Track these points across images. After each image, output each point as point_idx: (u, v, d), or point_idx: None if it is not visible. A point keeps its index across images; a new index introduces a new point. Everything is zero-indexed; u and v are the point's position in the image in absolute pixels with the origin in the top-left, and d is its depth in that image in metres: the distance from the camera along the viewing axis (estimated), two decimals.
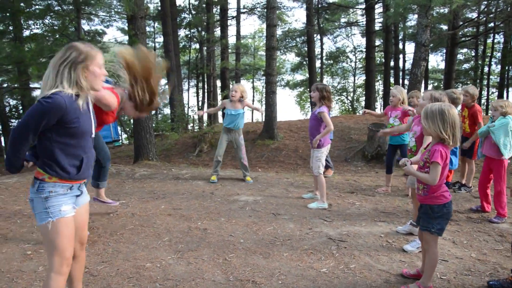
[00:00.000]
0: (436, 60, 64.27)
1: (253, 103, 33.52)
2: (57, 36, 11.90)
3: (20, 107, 20.57)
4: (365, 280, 3.38)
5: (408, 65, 28.37)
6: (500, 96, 24.69)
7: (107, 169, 4.93)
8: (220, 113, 23.22)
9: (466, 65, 29.28)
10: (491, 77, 27.29)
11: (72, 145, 2.45)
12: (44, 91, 2.31)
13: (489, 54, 25.59)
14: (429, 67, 27.74)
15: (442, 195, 3.06)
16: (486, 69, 25.85)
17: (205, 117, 5.68)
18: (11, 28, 14.95)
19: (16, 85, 13.12)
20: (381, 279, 3.39)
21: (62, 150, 2.43)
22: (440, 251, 3.89)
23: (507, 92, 26.99)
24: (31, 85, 15.18)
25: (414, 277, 3.38)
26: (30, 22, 14.93)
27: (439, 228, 3.08)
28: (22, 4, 12.00)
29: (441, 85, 27.02)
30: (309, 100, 26.47)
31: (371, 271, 3.55)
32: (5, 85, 18.33)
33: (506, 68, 24.55)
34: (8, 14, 13.78)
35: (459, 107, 5.99)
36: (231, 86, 8.77)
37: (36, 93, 18.06)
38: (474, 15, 21.37)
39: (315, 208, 5.41)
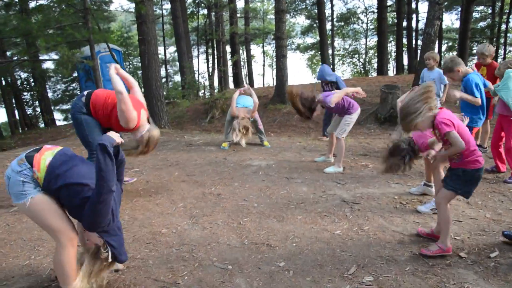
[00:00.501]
0: (451, 19, 62.69)
1: (263, 68, 33.27)
2: (63, 6, 11.74)
3: (32, 79, 20.64)
4: (379, 241, 3.39)
5: (421, 25, 27.56)
6: None
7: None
8: (230, 78, 23.11)
9: (482, 23, 28.40)
10: (508, 35, 26.48)
11: None
12: None
13: (507, 11, 24.74)
14: (444, 26, 27.01)
15: (477, 160, 3.02)
16: (503, 26, 25.06)
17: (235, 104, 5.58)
18: (16, 0, 14.85)
19: (25, 58, 13.09)
20: (395, 240, 3.40)
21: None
22: (454, 211, 3.89)
23: None
24: (40, 57, 15.16)
25: (429, 236, 3.38)
26: None
27: (466, 191, 3.09)
28: None
29: (456, 45, 26.40)
30: (320, 63, 26.14)
31: (385, 232, 3.56)
32: (15, 58, 18.33)
33: None
34: None
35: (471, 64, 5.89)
36: (240, 51, 8.66)
37: (47, 64, 18.09)
38: None
39: (332, 172, 5.39)
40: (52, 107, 22.46)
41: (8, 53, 17.73)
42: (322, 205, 4.25)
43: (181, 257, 3.23)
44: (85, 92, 4.32)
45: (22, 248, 3.46)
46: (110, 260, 2.50)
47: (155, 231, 3.72)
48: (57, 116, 24.59)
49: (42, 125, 19.87)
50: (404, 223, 3.75)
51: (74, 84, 25.01)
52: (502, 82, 4.82)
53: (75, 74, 19.53)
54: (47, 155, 2.52)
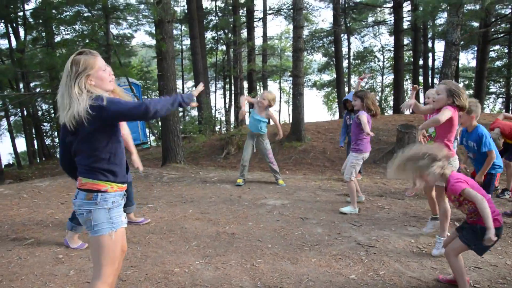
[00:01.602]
0: (467, 58, 62.64)
1: (280, 105, 33.50)
2: (87, 40, 12.15)
3: (52, 111, 21.11)
4: (395, 287, 3.31)
5: (437, 64, 27.70)
6: None
7: (130, 192, 4.83)
8: (247, 115, 23.30)
9: (498, 63, 28.39)
10: None
11: (120, 147, 2.52)
12: (67, 110, 2.33)
13: None
14: (460, 65, 27.07)
15: (496, 219, 2.94)
16: None
17: (245, 108, 5.58)
18: (43, 34, 15.38)
19: (48, 90, 13.47)
20: (411, 287, 3.31)
21: (116, 153, 2.48)
22: (473, 257, 3.79)
23: None
24: None
25: (451, 283, 3.29)
26: (61, 28, 15.33)
27: (481, 248, 3.00)
28: (53, 11, 12.32)
29: (472, 84, 26.34)
30: (336, 100, 26.25)
31: (401, 278, 3.48)
32: (38, 89, 18.84)
33: None
34: (40, 21, 14.19)
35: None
36: (257, 88, 8.78)
37: None
38: (507, 11, 20.73)
39: (348, 212, 5.31)
40: None
41: (31, 84, 18.25)
42: (337, 247, 4.19)
43: None
44: None
45: (33, 283, 3.45)
46: None
47: (167, 270, 3.69)
48: None
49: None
50: (421, 268, 3.66)
51: None
52: None
53: None
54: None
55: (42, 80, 19.01)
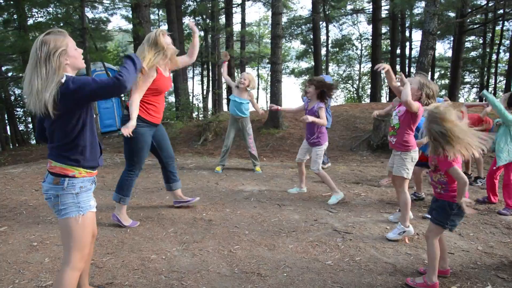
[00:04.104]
0: (444, 48, 63.72)
1: (257, 92, 33.43)
2: (61, 24, 11.83)
3: (25, 96, 20.60)
4: (371, 273, 3.36)
5: (414, 53, 28.11)
6: (508, 84, 24.42)
7: (173, 167, 4.85)
8: (225, 101, 23.19)
9: (473, 53, 28.94)
10: (499, 65, 26.97)
11: (92, 132, 2.46)
12: (41, 92, 2.24)
13: (498, 42, 25.24)
14: (436, 55, 27.45)
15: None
16: (494, 57, 25.53)
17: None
18: (15, 17, 14.91)
19: (21, 75, 13.10)
20: (386, 272, 3.37)
21: (88, 138, 2.43)
22: (447, 243, 3.86)
23: None
24: None
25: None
26: (34, 10, 14.89)
27: (452, 225, 3.06)
28: None
29: (448, 73, 26.78)
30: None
31: (376, 263, 3.53)
32: (10, 74, 18.32)
33: None
34: (12, 2, 13.75)
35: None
36: (235, 74, 8.72)
37: None
38: (483, 1, 21.08)
39: (335, 201, 5.30)
40: None
41: (3, 68, 17.73)
42: (313, 234, 4.22)
43: (170, 284, 3.17)
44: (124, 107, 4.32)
45: (7, 271, 3.38)
46: None
47: (144, 257, 3.66)
48: None
49: (33, 142, 19.73)
50: (396, 254, 3.73)
51: None
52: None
53: None
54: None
55: (14, 64, 18.50)
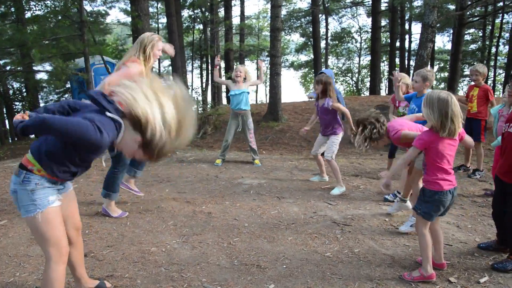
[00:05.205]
0: (443, 41, 63.47)
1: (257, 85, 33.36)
2: (59, 17, 11.79)
3: (24, 90, 20.55)
4: (369, 264, 3.38)
5: (414, 46, 28.01)
6: (507, 77, 24.39)
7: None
8: (224, 94, 23.16)
9: (473, 46, 28.86)
10: (498, 58, 26.90)
11: (81, 159, 2.37)
12: None
13: (497, 35, 25.16)
14: (436, 48, 27.38)
15: (436, 182, 2.99)
16: (493, 49, 25.46)
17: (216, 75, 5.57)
18: (13, 10, 14.85)
19: (19, 68, 13.07)
20: (385, 264, 3.39)
21: (70, 159, 2.33)
22: (445, 235, 3.89)
23: None
24: (34, 68, 15.13)
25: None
26: (32, 3, 14.82)
27: (425, 212, 3.04)
28: None
29: (447, 66, 26.73)
30: (313, 81, 26.32)
31: (375, 255, 3.55)
32: (8, 68, 18.28)
33: None
34: None
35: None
36: (234, 67, 8.69)
37: (40, 75, 18.03)
38: None
39: (338, 193, 5.37)
40: None
41: (1, 62, 17.68)
42: (312, 226, 4.24)
43: (170, 277, 3.19)
44: None
45: (7, 264, 3.40)
46: None
47: (144, 250, 3.68)
48: None
49: (32, 136, 19.72)
50: (395, 246, 3.75)
51: (66, 95, 24.90)
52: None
53: (68, 85, 19.49)
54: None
55: (12, 57, 18.42)
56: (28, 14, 15.14)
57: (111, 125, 2.15)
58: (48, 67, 14.25)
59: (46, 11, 13.80)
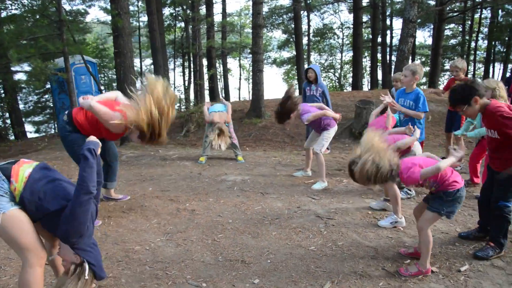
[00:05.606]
0: (423, 36, 64.11)
1: (240, 81, 33.36)
2: (37, 16, 11.57)
3: (2, 91, 20.15)
4: (353, 257, 3.42)
5: (395, 41, 28.24)
6: (486, 71, 24.82)
7: (115, 168, 4.82)
8: (207, 92, 23.09)
9: (453, 41, 29.25)
10: (477, 52, 27.36)
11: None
12: None
13: (476, 30, 25.59)
14: (416, 43, 27.68)
15: (455, 181, 3.04)
16: (473, 44, 25.87)
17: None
18: None
19: None
20: (368, 256, 3.43)
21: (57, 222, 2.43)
22: None
23: (493, 67, 27.14)
24: (12, 68, 14.85)
25: (411, 256, 3.39)
26: (8, 2, 14.52)
27: (449, 211, 3.08)
28: None
29: (428, 61, 27.04)
30: (296, 77, 26.27)
31: (358, 248, 3.59)
32: None
33: (493, 43, 24.59)
34: None
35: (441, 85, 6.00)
36: (217, 65, 8.68)
37: (18, 76, 17.70)
38: None
39: (319, 188, 5.38)
40: (24, 119, 21.89)
41: None
42: (296, 220, 4.26)
43: (155, 275, 3.18)
44: (66, 112, 4.25)
45: None
46: (88, 277, 2.42)
47: (128, 248, 3.66)
48: (28, 128, 23.90)
49: (12, 137, 19.37)
50: (378, 238, 3.79)
51: (46, 96, 24.52)
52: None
53: (48, 86, 19.19)
54: (25, 167, 2.46)
55: None
56: (4, 14, 14.84)
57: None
58: (26, 67, 14.01)
59: (23, 10, 13.52)
